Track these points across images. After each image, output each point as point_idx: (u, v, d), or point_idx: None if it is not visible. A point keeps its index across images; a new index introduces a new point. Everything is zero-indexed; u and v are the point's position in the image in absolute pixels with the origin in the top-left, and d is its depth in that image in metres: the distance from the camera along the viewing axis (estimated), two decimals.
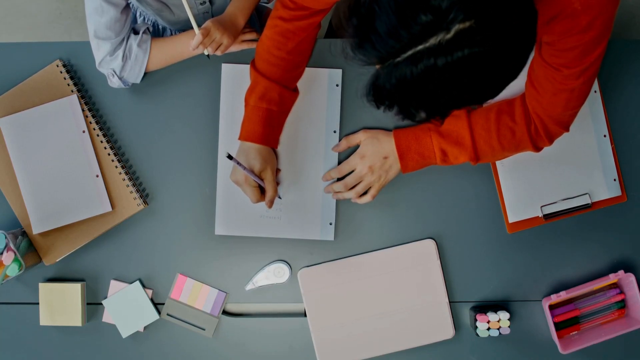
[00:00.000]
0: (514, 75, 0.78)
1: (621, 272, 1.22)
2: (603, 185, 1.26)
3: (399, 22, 0.70)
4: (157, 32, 1.39)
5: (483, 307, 1.26)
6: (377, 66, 0.76)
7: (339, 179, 1.24)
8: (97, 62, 1.18)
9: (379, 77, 0.76)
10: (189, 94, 1.25)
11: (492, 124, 1.15)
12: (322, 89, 1.25)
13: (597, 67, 0.99)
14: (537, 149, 1.16)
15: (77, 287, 1.23)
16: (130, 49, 1.18)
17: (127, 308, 1.24)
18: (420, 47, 0.70)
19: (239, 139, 1.17)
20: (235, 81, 1.24)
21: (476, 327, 1.23)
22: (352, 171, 1.23)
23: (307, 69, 1.24)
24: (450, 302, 1.26)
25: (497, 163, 1.26)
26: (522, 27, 0.74)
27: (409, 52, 0.71)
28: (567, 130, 1.13)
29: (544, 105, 1.08)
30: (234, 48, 1.22)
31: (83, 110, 1.23)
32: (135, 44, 1.18)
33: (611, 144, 1.26)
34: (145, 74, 1.22)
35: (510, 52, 0.73)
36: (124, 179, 1.23)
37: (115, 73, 1.19)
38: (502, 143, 1.15)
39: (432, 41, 0.69)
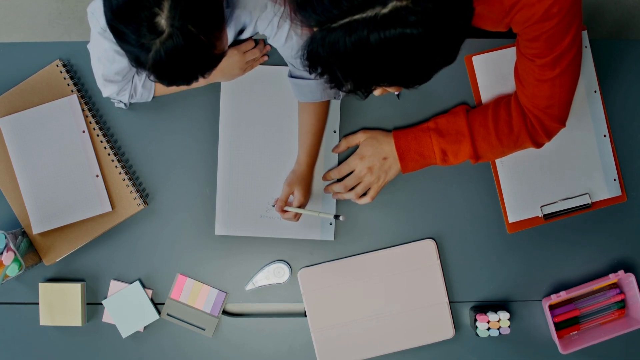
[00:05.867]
0: (444, 63, 0.82)
1: (621, 272, 1.22)
2: (603, 185, 1.26)
3: None
4: None
5: (483, 307, 1.26)
6: (314, 29, 0.79)
7: (338, 180, 1.24)
8: (103, 95, 1.19)
9: (314, 41, 0.79)
10: (189, 94, 1.25)
11: (490, 120, 1.15)
12: None
13: (573, 56, 1.01)
14: (537, 144, 1.16)
15: (77, 287, 1.23)
16: (135, 89, 1.18)
17: (127, 308, 1.24)
18: (356, 16, 0.74)
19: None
20: (235, 81, 1.24)
21: (476, 327, 1.23)
22: (352, 172, 1.23)
23: None
24: (450, 302, 1.26)
25: (497, 163, 1.26)
26: (456, 15, 0.77)
27: (346, 20, 0.75)
28: (563, 124, 1.13)
29: (530, 98, 1.10)
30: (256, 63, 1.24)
31: (83, 110, 1.23)
32: (140, 85, 1.18)
33: (611, 144, 1.26)
34: None
35: (442, 39, 0.77)
36: (124, 179, 1.23)
37: (121, 101, 1.21)
38: (501, 138, 1.15)
39: (369, 12, 0.74)
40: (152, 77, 0.90)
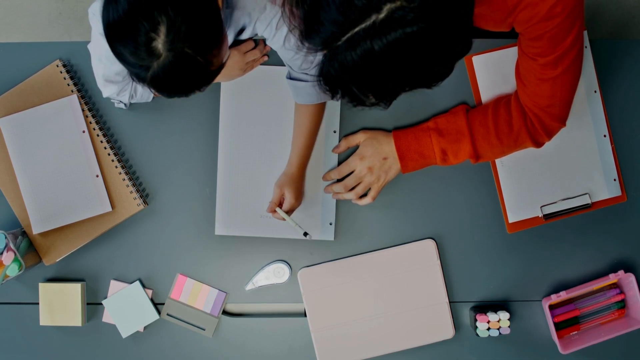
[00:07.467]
0: (459, 53, 0.81)
1: (621, 272, 1.22)
2: (603, 185, 1.26)
3: (337, 9, 0.75)
4: None
5: (483, 307, 1.26)
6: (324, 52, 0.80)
7: (339, 180, 1.24)
8: (104, 96, 1.19)
9: (324, 63, 0.80)
10: None
11: (490, 119, 1.15)
12: None
13: (575, 56, 1.01)
14: (537, 143, 1.16)
15: (77, 287, 1.23)
16: (135, 89, 1.18)
17: (127, 308, 1.24)
18: (357, 28, 0.75)
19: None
20: (235, 81, 1.24)
21: (476, 327, 1.23)
22: (352, 172, 1.23)
23: None
24: (450, 302, 1.26)
25: (497, 163, 1.26)
26: (454, 3, 0.77)
27: (348, 35, 0.75)
28: (564, 124, 1.13)
29: (531, 97, 1.10)
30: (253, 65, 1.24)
31: (83, 110, 1.23)
32: (140, 86, 1.18)
33: (611, 144, 1.26)
34: None
35: (447, 27, 0.77)
36: (124, 179, 1.23)
37: (121, 101, 1.20)
38: (501, 138, 1.15)
39: (367, 22, 0.74)
40: (151, 90, 0.91)
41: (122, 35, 0.84)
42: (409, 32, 0.74)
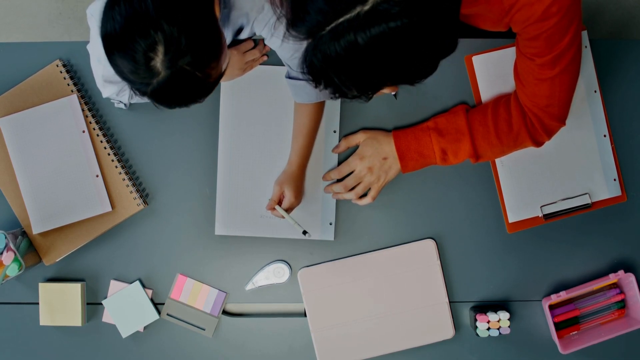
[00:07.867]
0: (443, 51, 0.81)
1: (621, 272, 1.22)
2: (603, 185, 1.26)
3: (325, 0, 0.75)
4: None
5: (483, 307, 1.26)
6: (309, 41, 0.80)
7: (338, 180, 1.24)
8: (103, 96, 1.19)
9: (308, 52, 0.80)
10: None
11: (490, 119, 1.15)
12: None
13: (572, 55, 1.00)
14: (537, 143, 1.16)
15: (77, 287, 1.23)
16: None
17: (127, 308, 1.24)
18: (341, 19, 0.75)
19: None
20: (235, 81, 1.24)
21: (476, 327, 1.23)
22: (352, 172, 1.23)
23: None
24: (450, 302, 1.26)
25: (497, 163, 1.26)
26: (440, 0, 0.77)
27: (332, 25, 0.76)
28: (563, 123, 1.13)
29: (530, 97, 1.10)
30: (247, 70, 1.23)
31: (83, 110, 1.23)
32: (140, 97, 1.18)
33: (611, 144, 1.26)
34: None
35: (432, 25, 0.77)
36: (124, 179, 1.23)
37: (121, 101, 1.20)
38: (500, 137, 1.15)
39: (352, 13, 0.74)
40: (151, 101, 0.91)
41: (119, 50, 0.84)
42: (393, 26, 0.74)
